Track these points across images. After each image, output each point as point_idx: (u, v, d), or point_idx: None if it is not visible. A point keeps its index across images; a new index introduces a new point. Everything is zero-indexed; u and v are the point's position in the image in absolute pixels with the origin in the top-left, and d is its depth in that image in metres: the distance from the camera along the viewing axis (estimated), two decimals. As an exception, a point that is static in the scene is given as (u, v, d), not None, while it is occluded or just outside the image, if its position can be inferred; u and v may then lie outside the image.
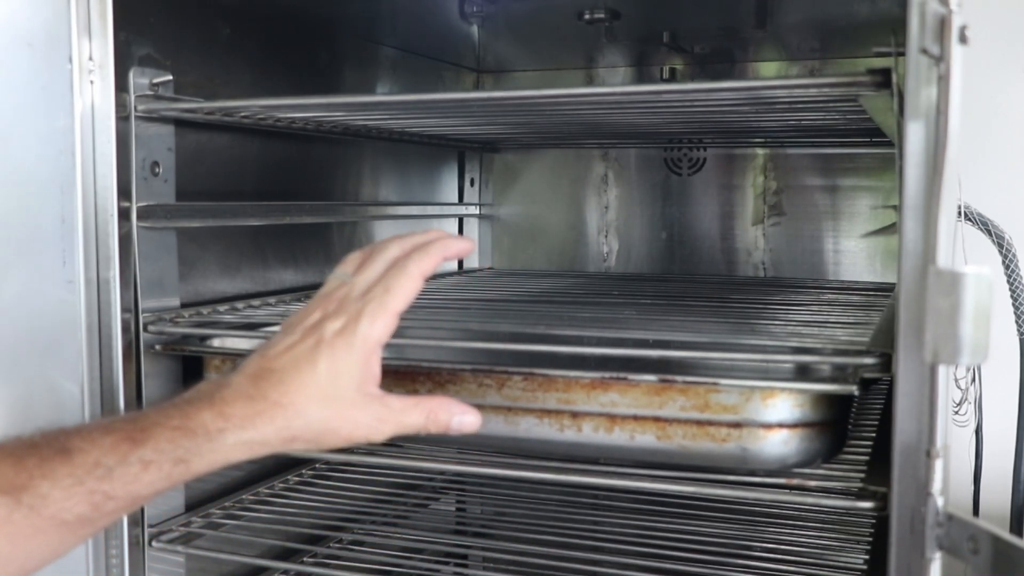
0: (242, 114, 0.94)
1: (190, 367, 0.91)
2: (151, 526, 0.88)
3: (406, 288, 0.64)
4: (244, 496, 1.02)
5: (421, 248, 0.66)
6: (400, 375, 0.80)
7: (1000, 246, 1.15)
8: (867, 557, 0.94)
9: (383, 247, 0.67)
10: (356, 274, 0.66)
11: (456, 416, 0.66)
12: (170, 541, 0.90)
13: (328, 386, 0.61)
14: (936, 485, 0.58)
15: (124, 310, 0.83)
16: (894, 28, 0.60)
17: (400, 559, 1.00)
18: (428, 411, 0.64)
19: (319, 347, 0.62)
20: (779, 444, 0.71)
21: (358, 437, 0.63)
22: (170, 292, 0.91)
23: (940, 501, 0.58)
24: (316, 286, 1.16)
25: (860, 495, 0.70)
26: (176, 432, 0.59)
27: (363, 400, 0.62)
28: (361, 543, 1.09)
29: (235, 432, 0.60)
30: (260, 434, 0.60)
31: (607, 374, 0.74)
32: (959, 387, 1.17)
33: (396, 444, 0.99)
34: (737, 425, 0.72)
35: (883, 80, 0.64)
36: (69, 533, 0.57)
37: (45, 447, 0.57)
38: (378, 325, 0.62)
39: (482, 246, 1.57)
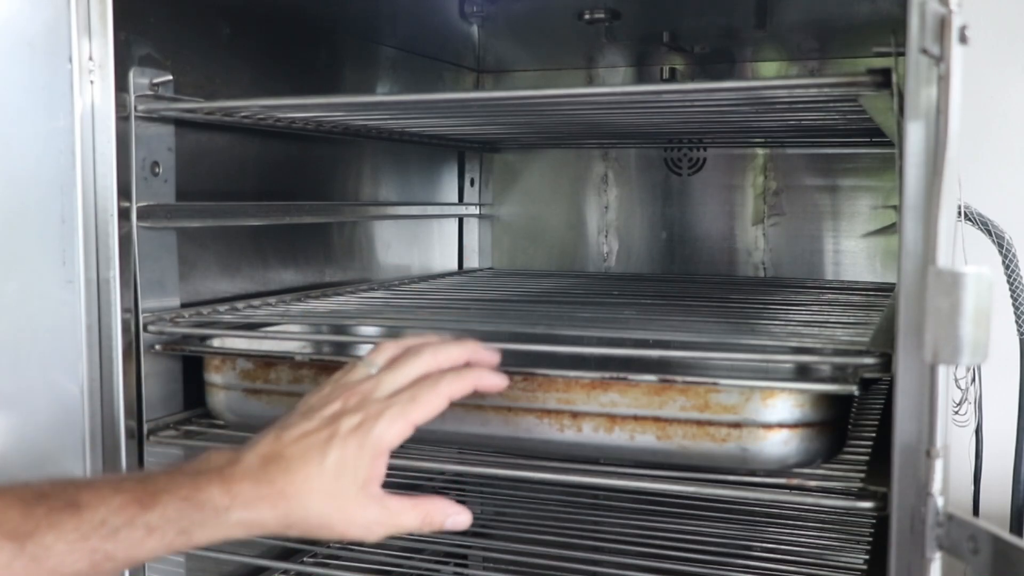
0: (242, 114, 0.94)
1: (190, 367, 0.91)
2: (151, 526, 0.88)
3: (432, 404, 0.65)
4: (244, 496, 1.01)
5: (457, 371, 0.67)
6: (400, 375, 0.80)
7: (1000, 246, 1.15)
8: (867, 557, 0.94)
9: (419, 351, 0.68)
10: (385, 371, 0.67)
11: (450, 516, 0.67)
12: (170, 541, 0.90)
13: (332, 482, 0.62)
14: (936, 485, 0.58)
15: (124, 310, 0.83)
16: (894, 28, 0.60)
17: (400, 559, 1.00)
18: (424, 513, 0.66)
19: (332, 441, 0.62)
20: (779, 444, 0.71)
21: (352, 536, 0.64)
22: (170, 292, 0.91)
23: (940, 501, 0.58)
24: (316, 286, 1.17)
25: (860, 495, 0.70)
26: (184, 503, 0.59)
27: (364, 500, 0.63)
28: (361, 543, 1.09)
29: (239, 511, 0.61)
30: (260, 517, 0.61)
31: (607, 374, 0.74)
32: (959, 387, 1.17)
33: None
34: (737, 425, 0.72)
35: (883, 80, 0.64)
36: None
37: (54, 498, 0.57)
38: (394, 431, 0.63)
39: (482, 246, 1.57)
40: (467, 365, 0.68)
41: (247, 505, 0.61)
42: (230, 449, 0.64)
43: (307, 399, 0.68)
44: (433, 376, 0.66)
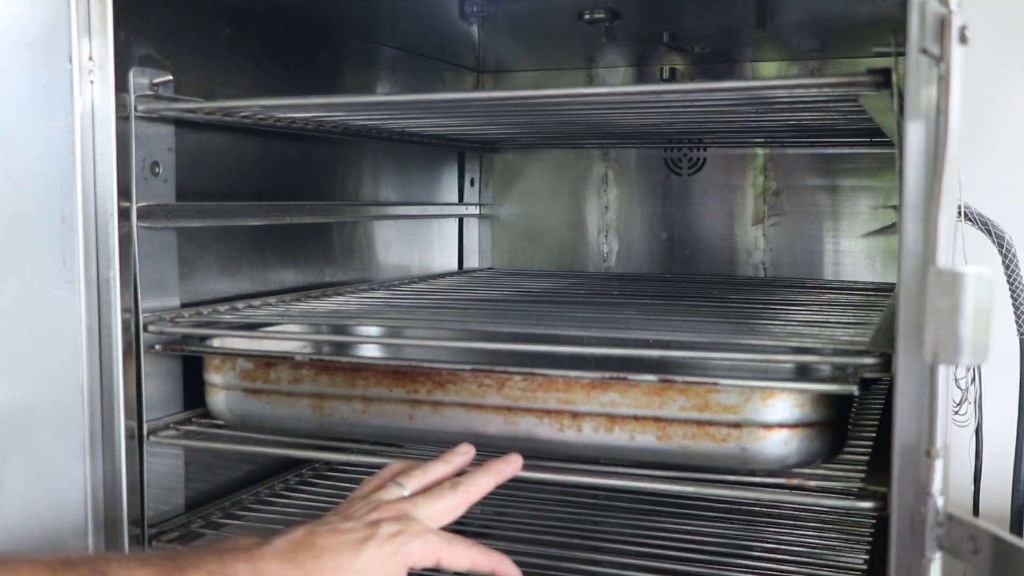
0: (242, 114, 0.94)
1: (190, 367, 0.91)
2: (151, 526, 0.88)
3: (455, 506, 0.70)
4: (244, 496, 1.02)
5: (473, 474, 0.72)
6: (400, 375, 0.80)
7: (1000, 246, 1.15)
8: (867, 557, 0.94)
9: (455, 485, 0.72)
10: (420, 496, 0.70)
11: None
12: (170, 541, 0.90)
13: None
14: (936, 485, 0.58)
15: (124, 310, 0.83)
16: (894, 28, 0.60)
17: (400, 559, 1.00)
18: None
19: (369, 541, 0.64)
20: (779, 444, 0.71)
21: None
22: (170, 292, 0.91)
23: (940, 501, 0.58)
24: (316, 286, 1.17)
25: (860, 495, 0.70)
26: None
27: None
28: None
29: None
30: None
31: (607, 374, 0.74)
32: (959, 387, 1.17)
33: (396, 444, 0.99)
34: (737, 425, 0.72)
35: (883, 80, 0.64)
36: None
37: (83, 568, 0.58)
38: (427, 552, 0.66)
39: (482, 246, 1.57)
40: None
41: None
42: (259, 535, 0.66)
43: (340, 508, 0.70)
44: (452, 481, 0.71)
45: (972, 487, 1.20)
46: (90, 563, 0.58)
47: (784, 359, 0.81)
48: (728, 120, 1.07)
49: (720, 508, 1.06)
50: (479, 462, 0.73)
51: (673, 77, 1.40)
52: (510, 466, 0.74)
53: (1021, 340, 1.14)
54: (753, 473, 0.74)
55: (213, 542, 0.66)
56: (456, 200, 1.54)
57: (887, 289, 1.21)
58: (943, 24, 0.56)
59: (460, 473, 0.74)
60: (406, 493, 0.70)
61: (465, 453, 0.76)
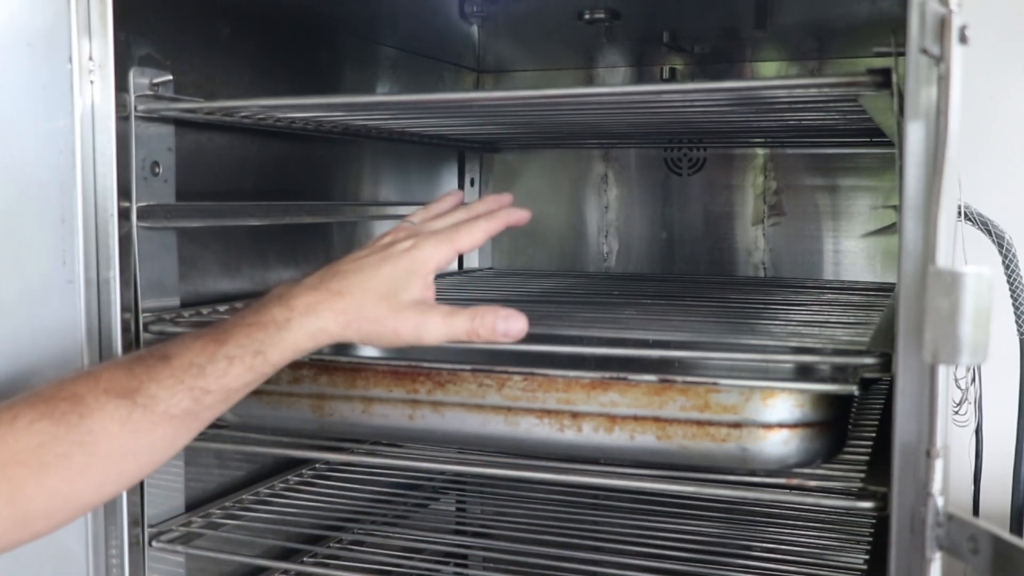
0: (242, 114, 0.94)
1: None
2: (151, 526, 0.88)
3: (473, 236, 0.73)
4: (244, 496, 1.02)
5: (488, 214, 0.76)
6: (400, 375, 0.80)
7: (1000, 246, 1.15)
8: (867, 557, 0.94)
9: (454, 213, 0.77)
10: (427, 221, 0.76)
11: (502, 321, 0.70)
12: (170, 541, 0.90)
13: (385, 288, 0.69)
14: (936, 485, 0.58)
15: (124, 310, 0.83)
16: (894, 28, 0.60)
17: (400, 559, 1.00)
18: (474, 316, 0.69)
19: (386, 259, 0.70)
20: (779, 444, 0.71)
21: (405, 335, 0.69)
22: (170, 292, 0.91)
23: (940, 501, 0.58)
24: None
25: (860, 495, 0.70)
26: (251, 327, 0.67)
27: (414, 305, 0.69)
28: (361, 543, 1.09)
29: (299, 320, 0.67)
30: (321, 321, 0.67)
31: (607, 374, 0.74)
32: (959, 387, 1.17)
33: (396, 444, 0.99)
34: (737, 425, 0.72)
35: (883, 80, 0.64)
36: (180, 426, 0.66)
37: (148, 356, 0.66)
38: (442, 250, 0.71)
39: (482, 246, 1.56)
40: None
41: (306, 312, 0.67)
42: (291, 281, 0.72)
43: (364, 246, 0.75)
44: (471, 219, 0.75)
45: (972, 487, 1.20)
46: (154, 351, 0.67)
47: (784, 359, 0.81)
48: (728, 120, 1.07)
49: (720, 508, 1.06)
50: (478, 461, 0.73)
51: (673, 77, 1.39)
52: (522, 213, 0.78)
53: (1021, 340, 1.14)
54: (753, 473, 0.74)
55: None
56: (456, 200, 1.54)
57: (887, 289, 1.21)
58: (943, 24, 0.56)
59: None
60: (416, 222, 0.76)
61: (456, 194, 0.81)
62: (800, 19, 1.31)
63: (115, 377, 0.65)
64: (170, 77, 0.88)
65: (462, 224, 0.74)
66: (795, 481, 0.73)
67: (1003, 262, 1.15)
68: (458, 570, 1.12)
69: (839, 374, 0.74)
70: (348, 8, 1.21)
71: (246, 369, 0.66)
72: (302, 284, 0.70)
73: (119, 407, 0.63)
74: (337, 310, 0.68)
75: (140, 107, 0.84)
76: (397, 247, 0.71)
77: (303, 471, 1.12)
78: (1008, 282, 1.15)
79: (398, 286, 0.69)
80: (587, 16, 1.27)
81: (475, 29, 1.49)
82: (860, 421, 0.88)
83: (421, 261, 0.70)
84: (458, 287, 1.26)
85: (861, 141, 1.30)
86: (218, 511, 0.97)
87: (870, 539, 0.97)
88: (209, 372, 0.65)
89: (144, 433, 0.64)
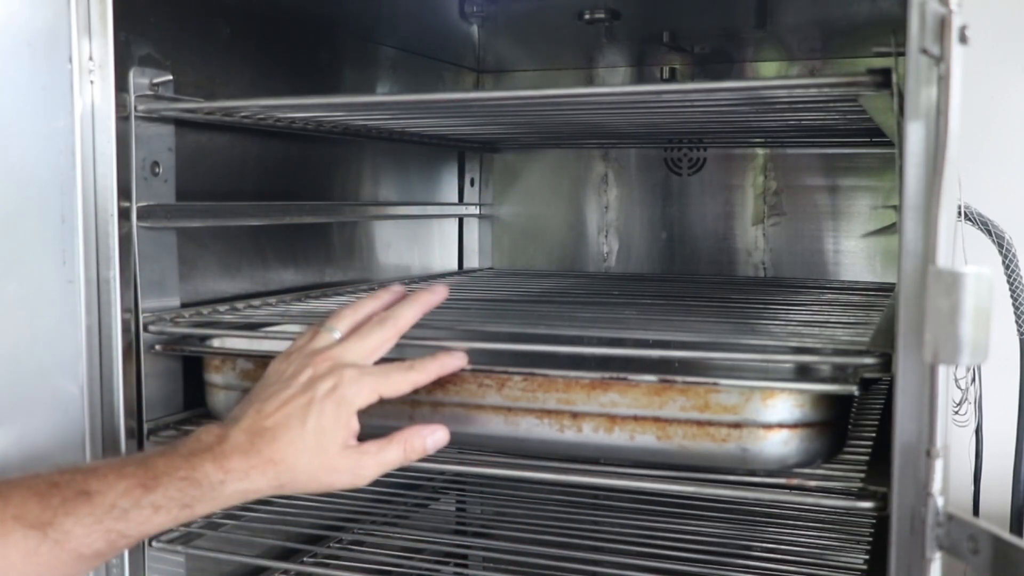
0: (242, 114, 0.94)
1: (190, 367, 0.91)
2: (151, 526, 0.88)
3: (384, 339, 0.73)
4: (244, 496, 1.01)
5: (399, 304, 0.75)
6: (400, 375, 0.80)
7: (1000, 246, 1.15)
8: (867, 557, 0.94)
9: (382, 321, 0.74)
10: (350, 338, 0.73)
11: (428, 438, 0.72)
12: (170, 541, 0.90)
13: (314, 442, 0.68)
14: (936, 485, 0.58)
15: (124, 310, 0.83)
16: (894, 28, 0.60)
17: (400, 559, 1.00)
18: (402, 443, 0.71)
19: (310, 407, 0.68)
20: (779, 444, 0.71)
21: (341, 483, 0.70)
22: (170, 292, 0.91)
23: (940, 501, 0.58)
24: (316, 286, 1.17)
25: (860, 495, 0.70)
26: (183, 482, 0.65)
27: (344, 452, 0.69)
28: (361, 543, 1.09)
29: (233, 483, 0.67)
30: (254, 485, 0.67)
31: (607, 374, 0.74)
32: (959, 387, 1.17)
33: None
34: (737, 425, 0.72)
35: (883, 80, 0.64)
36: (84, 565, 0.63)
37: (66, 487, 0.63)
38: (364, 394, 0.70)
39: (482, 246, 1.57)
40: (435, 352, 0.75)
41: (240, 477, 0.67)
42: (217, 426, 0.69)
43: (277, 366, 0.73)
44: (379, 317, 0.74)
45: (972, 487, 1.20)
46: (72, 482, 0.63)
47: (784, 359, 0.81)
48: (728, 120, 1.07)
49: (720, 508, 1.06)
50: (478, 461, 0.73)
51: (673, 77, 1.40)
52: (435, 296, 0.76)
53: (1021, 340, 1.14)
54: (753, 473, 0.74)
55: (177, 440, 0.70)
56: (456, 200, 1.54)
57: (887, 289, 1.21)
58: (943, 24, 0.56)
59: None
60: (337, 335, 0.74)
61: (395, 291, 0.80)
62: (800, 19, 1.31)
63: (27, 504, 0.61)
64: (170, 77, 0.88)
65: (391, 368, 0.71)
66: (795, 481, 0.73)
67: (1003, 262, 1.15)
68: (458, 570, 1.12)
69: (839, 374, 0.75)
70: (348, 8, 1.21)
71: (170, 519, 0.65)
72: (231, 441, 0.67)
73: (27, 538, 0.60)
74: (270, 476, 0.67)
75: (140, 107, 0.84)
76: (319, 389, 0.69)
77: (303, 471, 1.11)
78: (1008, 282, 1.15)
79: (326, 437, 0.68)
80: (587, 16, 1.27)
81: (475, 29, 1.49)
82: (860, 421, 0.88)
83: (346, 405, 0.69)
84: (458, 287, 1.26)
85: (861, 141, 1.30)
86: (218, 511, 0.97)
87: (870, 539, 0.97)
88: (132, 517, 0.63)
89: (46, 569, 0.61)
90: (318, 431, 0.68)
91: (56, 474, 0.64)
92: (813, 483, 0.73)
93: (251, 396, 0.72)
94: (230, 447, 0.67)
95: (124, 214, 0.83)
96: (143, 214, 0.85)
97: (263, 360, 0.86)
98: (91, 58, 0.80)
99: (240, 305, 1.00)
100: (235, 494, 0.67)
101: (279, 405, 0.69)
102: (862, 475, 0.73)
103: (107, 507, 0.62)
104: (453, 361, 0.74)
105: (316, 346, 0.73)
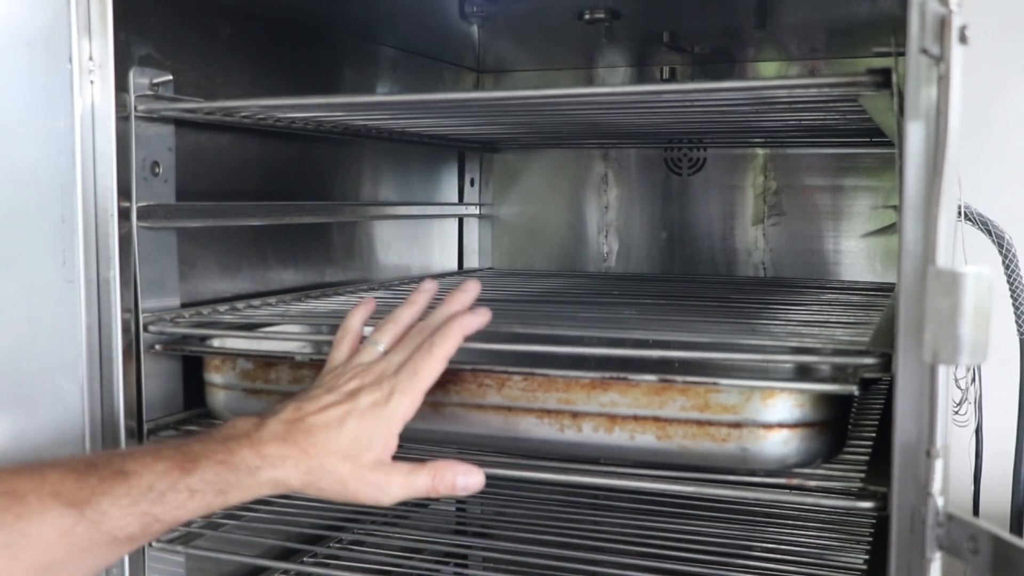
0: (242, 114, 0.94)
1: (190, 367, 0.91)
2: (151, 526, 0.88)
3: (432, 370, 0.71)
4: (244, 496, 1.01)
5: (442, 331, 0.73)
6: (400, 375, 0.80)
7: (1000, 246, 1.15)
8: (867, 557, 0.94)
9: (421, 330, 0.74)
10: (394, 350, 0.74)
11: (460, 476, 0.71)
12: (170, 541, 0.90)
13: (348, 447, 0.68)
14: (936, 485, 0.58)
15: (124, 310, 0.83)
16: (894, 28, 0.60)
17: (400, 559, 1.00)
18: (433, 473, 0.70)
19: (351, 414, 0.68)
20: (779, 444, 0.71)
21: (366, 497, 0.69)
22: (170, 292, 0.91)
23: (940, 501, 0.58)
24: (316, 286, 1.17)
25: (860, 495, 0.70)
26: (220, 466, 0.65)
27: (375, 466, 0.68)
28: (361, 543, 1.09)
29: (268, 470, 0.66)
30: (286, 475, 0.67)
31: (607, 374, 0.74)
32: (959, 387, 1.17)
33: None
34: (737, 425, 0.72)
35: (883, 80, 0.64)
36: (116, 549, 0.63)
37: (104, 467, 0.62)
38: (407, 404, 0.70)
39: (482, 246, 1.57)
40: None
41: (276, 463, 0.66)
42: (254, 416, 0.69)
43: (323, 377, 0.74)
44: (426, 344, 0.72)
45: (972, 487, 1.20)
46: (110, 462, 0.63)
47: (784, 359, 0.81)
48: (728, 120, 1.07)
49: (720, 508, 1.06)
50: (478, 461, 0.73)
51: (673, 77, 1.40)
52: (477, 318, 0.75)
53: (1021, 340, 1.14)
54: (753, 473, 0.74)
55: (212, 428, 0.70)
56: (456, 200, 1.54)
57: (887, 289, 1.21)
58: (943, 24, 0.56)
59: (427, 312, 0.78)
60: (381, 348, 0.74)
61: (428, 290, 0.80)
62: (800, 19, 1.31)
63: (64, 481, 0.60)
64: (170, 77, 0.88)
65: (420, 358, 0.71)
66: (795, 481, 0.73)
67: (1003, 262, 1.15)
68: (458, 570, 1.12)
69: (839, 374, 0.74)
70: (348, 8, 1.21)
71: (203, 506, 0.64)
72: (269, 428, 0.68)
73: (64, 516, 0.59)
74: (302, 469, 0.67)
75: (140, 107, 0.84)
76: (363, 399, 0.69)
77: (303, 471, 1.11)
78: (1008, 282, 1.15)
79: (361, 447, 0.68)
80: (587, 16, 1.27)
81: (475, 29, 1.49)
82: (860, 421, 0.88)
83: (387, 419, 0.69)
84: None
85: (861, 141, 1.30)
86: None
87: (870, 539, 0.97)
88: (168, 500, 0.62)
89: (79, 550, 0.60)
90: (354, 437, 0.68)
91: (93, 456, 0.65)
92: (813, 483, 0.73)
93: (292, 397, 0.72)
94: (268, 434, 0.67)
95: (124, 214, 0.83)
96: (143, 214, 0.85)
97: (263, 360, 0.86)
98: (91, 58, 0.79)
99: (240, 305, 1.00)
100: (268, 482, 0.66)
101: (320, 407, 0.69)
102: (862, 475, 0.73)
103: (144, 488, 0.62)
104: (471, 323, 0.74)
105: (362, 360, 0.73)
